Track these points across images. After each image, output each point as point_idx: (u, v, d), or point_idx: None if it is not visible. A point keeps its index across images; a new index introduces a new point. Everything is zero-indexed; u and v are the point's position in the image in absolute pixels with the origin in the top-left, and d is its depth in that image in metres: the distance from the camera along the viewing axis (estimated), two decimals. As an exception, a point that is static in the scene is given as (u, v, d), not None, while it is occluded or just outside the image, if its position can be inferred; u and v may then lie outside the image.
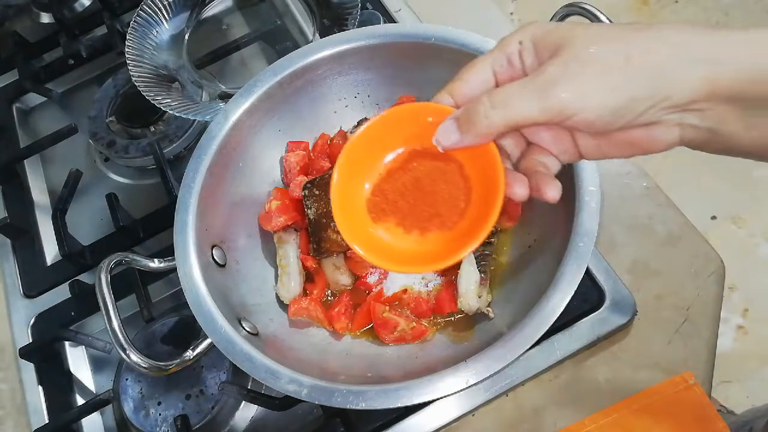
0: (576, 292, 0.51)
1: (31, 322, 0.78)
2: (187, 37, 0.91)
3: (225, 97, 0.84)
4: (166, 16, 0.89)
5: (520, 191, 0.41)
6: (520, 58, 0.40)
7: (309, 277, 0.67)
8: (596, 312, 0.64)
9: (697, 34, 0.35)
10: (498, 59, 0.40)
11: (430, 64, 0.67)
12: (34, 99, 0.99)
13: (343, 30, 0.70)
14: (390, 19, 0.87)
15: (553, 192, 0.40)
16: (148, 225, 0.80)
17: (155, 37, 0.88)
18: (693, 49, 0.35)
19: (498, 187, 0.40)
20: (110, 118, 0.89)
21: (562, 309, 0.50)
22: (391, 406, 0.50)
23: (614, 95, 0.36)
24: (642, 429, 0.60)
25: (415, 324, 0.61)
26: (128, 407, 0.67)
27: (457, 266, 0.62)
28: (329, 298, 0.67)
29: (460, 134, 0.40)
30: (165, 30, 0.89)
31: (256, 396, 0.64)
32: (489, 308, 0.60)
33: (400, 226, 0.46)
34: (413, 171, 0.45)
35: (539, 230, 0.62)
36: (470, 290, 0.60)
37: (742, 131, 0.36)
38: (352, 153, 0.45)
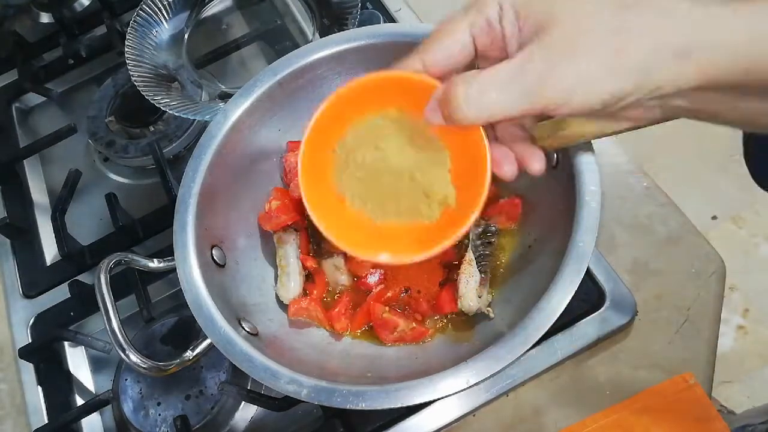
0: (576, 292, 0.50)
1: (31, 322, 0.78)
2: (187, 37, 0.91)
3: (225, 97, 0.84)
4: (166, 16, 0.89)
5: (509, 169, 0.39)
6: (500, 23, 0.37)
7: (309, 277, 0.67)
8: (596, 312, 0.64)
9: (688, 17, 0.33)
10: (476, 22, 0.38)
11: (430, 64, 0.67)
12: (33, 99, 0.99)
13: (343, 30, 0.70)
14: (390, 18, 0.87)
15: (538, 164, 0.38)
16: (148, 225, 0.80)
17: (155, 37, 0.88)
18: (683, 38, 0.33)
19: (484, 169, 0.38)
20: (110, 118, 0.88)
21: (562, 309, 0.50)
22: (391, 407, 0.50)
23: (601, 90, 0.34)
24: (642, 429, 0.59)
25: (414, 324, 0.61)
26: (128, 407, 0.67)
27: (458, 266, 0.62)
28: (333, 297, 0.67)
29: (444, 119, 0.38)
30: (165, 30, 0.89)
31: (256, 396, 0.64)
32: (489, 308, 0.60)
33: (372, 211, 0.45)
34: (389, 150, 0.43)
35: (539, 230, 0.62)
36: (470, 290, 0.60)
37: (727, 111, 0.35)
38: (323, 122, 0.42)
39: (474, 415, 0.63)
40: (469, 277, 0.60)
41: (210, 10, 0.95)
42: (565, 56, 0.34)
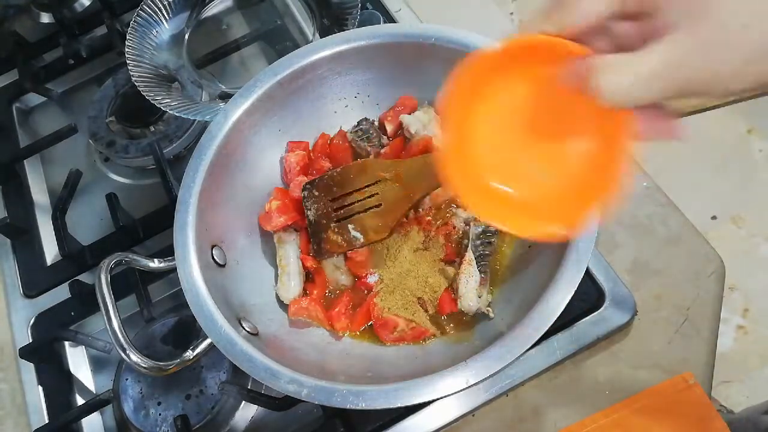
0: (576, 292, 0.51)
1: (31, 322, 0.78)
2: (187, 37, 0.91)
3: (225, 97, 0.84)
4: (166, 16, 0.89)
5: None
6: None
7: (309, 277, 0.67)
8: (596, 312, 0.64)
9: None
10: None
11: (430, 64, 0.67)
12: (34, 99, 0.99)
13: (343, 30, 0.70)
14: (390, 19, 0.87)
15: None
16: (148, 225, 0.80)
17: (155, 37, 0.88)
18: None
19: (621, 144, 0.38)
20: (110, 118, 0.88)
21: (562, 309, 0.50)
22: (391, 406, 0.50)
23: (746, 81, 0.34)
24: (642, 429, 0.60)
25: (414, 324, 0.61)
26: (128, 407, 0.67)
27: (458, 266, 0.62)
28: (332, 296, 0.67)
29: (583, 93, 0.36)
30: (165, 30, 0.89)
31: (256, 396, 0.64)
32: (489, 308, 0.60)
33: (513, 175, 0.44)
34: (533, 113, 0.42)
35: (539, 230, 0.62)
36: (470, 290, 0.60)
37: None
38: (466, 87, 0.41)
39: (473, 415, 0.63)
40: (469, 277, 0.60)
41: (210, 11, 0.95)
42: (720, 51, 0.34)
